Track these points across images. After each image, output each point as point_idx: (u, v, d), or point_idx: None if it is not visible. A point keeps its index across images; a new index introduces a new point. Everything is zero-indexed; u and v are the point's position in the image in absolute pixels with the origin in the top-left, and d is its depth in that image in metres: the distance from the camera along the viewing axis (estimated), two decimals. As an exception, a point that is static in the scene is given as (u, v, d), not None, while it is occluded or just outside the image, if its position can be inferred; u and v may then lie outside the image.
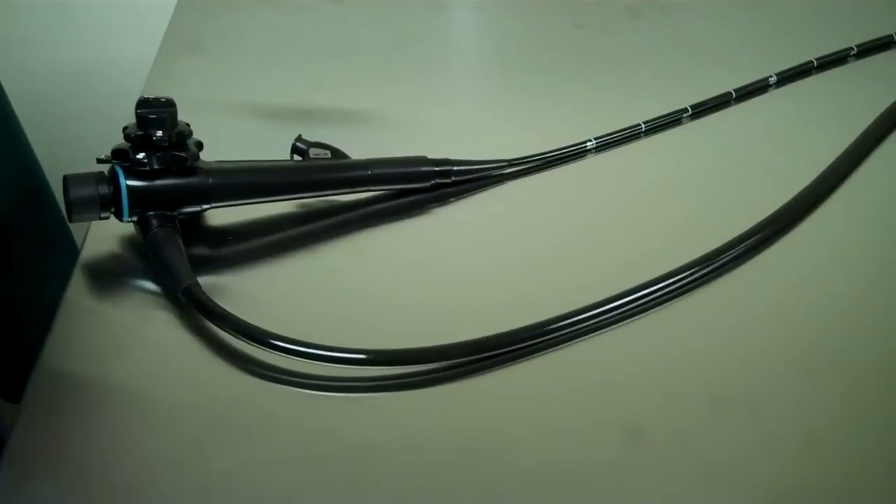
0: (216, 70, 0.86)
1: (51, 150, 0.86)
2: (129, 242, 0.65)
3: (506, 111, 0.83)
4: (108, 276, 0.64)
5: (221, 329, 0.58)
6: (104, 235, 0.65)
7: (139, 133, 0.62)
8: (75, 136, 1.03)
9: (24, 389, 0.56)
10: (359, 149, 0.69)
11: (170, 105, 0.63)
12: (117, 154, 0.62)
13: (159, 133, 0.62)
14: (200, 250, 0.65)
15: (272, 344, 0.56)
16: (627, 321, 0.60)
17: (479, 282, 0.64)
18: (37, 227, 0.82)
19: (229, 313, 0.57)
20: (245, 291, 0.62)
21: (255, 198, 0.66)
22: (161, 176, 0.62)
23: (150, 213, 0.62)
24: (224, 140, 0.68)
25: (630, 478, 0.51)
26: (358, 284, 0.64)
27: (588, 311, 0.59)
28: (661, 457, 0.52)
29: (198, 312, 0.59)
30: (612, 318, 0.60)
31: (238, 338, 0.57)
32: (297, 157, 0.68)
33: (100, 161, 0.63)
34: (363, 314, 0.61)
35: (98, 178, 0.62)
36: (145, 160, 0.62)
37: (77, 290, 0.62)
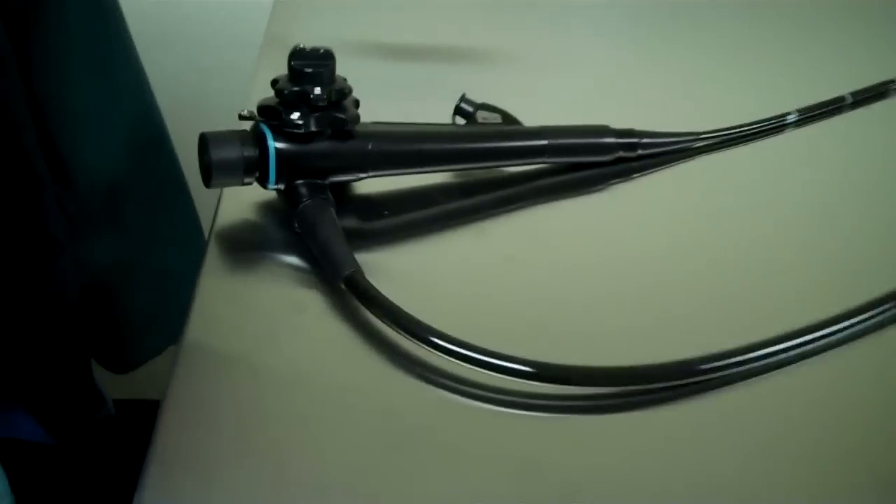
0: (344, 9, 0.77)
1: (169, 93, 0.78)
2: (268, 209, 0.57)
3: (681, 79, 0.73)
4: (246, 251, 0.55)
5: (380, 320, 0.50)
6: (238, 201, 0.57)
7: (294, 89, 0.53)
8: (197, 81, 0.94)
9: (167, 388, 0.48)
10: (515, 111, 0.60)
11: (329, 57, 0.54)
12: (265, 111, 0.54)
13: (317, 90, 0.53)
14: (350, 222, 0.56)
15: (433, 342, 0.47)
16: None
17: (671, 276, 0.55)
18: (151, 182, 0.73)
19: (395, 305, 0.49)
20: (402, 274, 0.54)
21: (417, 167, 0.58)
22: (315, 139, 0.54)
23: (300, 181, 0.54)
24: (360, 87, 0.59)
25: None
26: (532, 274, 0.54)
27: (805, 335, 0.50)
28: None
29: (356, 300, 0.50)
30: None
31: (398, 332, 0.49)
32: (459, 120, 0.60)
33: (242, 118, 0.55)
34: (536, 310, 0.52)
35: (242, 137, 0.54)
36: (300, 121, 0.53)
37: (213, 269, 0.54)
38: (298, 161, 0.54)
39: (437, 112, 0.60)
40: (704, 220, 0.59)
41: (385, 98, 0.61)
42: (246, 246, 0.56)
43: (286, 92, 0.53)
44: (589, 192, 0.60)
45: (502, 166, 0.60)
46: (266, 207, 0.57)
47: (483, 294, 0.53)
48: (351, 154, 0.55)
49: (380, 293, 0.49)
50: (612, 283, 0.54)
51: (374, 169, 0.56)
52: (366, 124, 0.56)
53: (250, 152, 0.53)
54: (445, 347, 0.47)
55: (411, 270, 0.54)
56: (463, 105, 0.59)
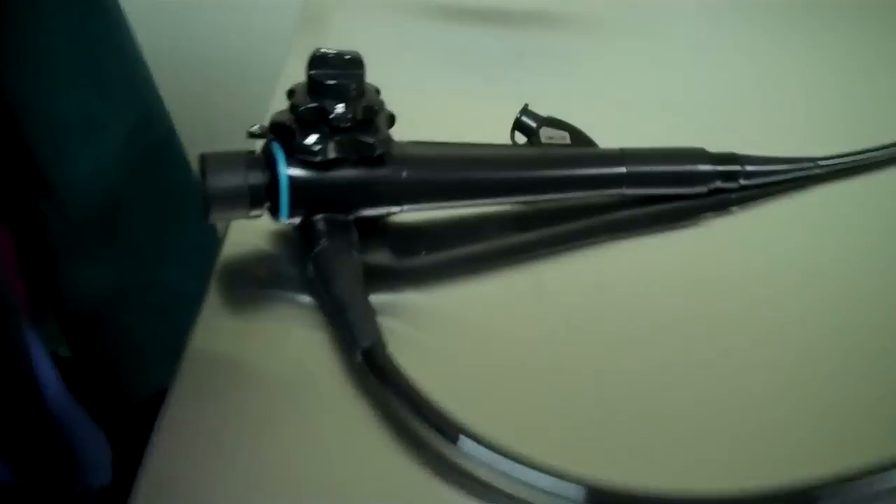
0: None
1: (177, 91, 0.67)
2: (283, 238, 0.47)
3: (796, 89, 0.61)
4: (253, 292, 0.45)
5: (398, 404, 0.39)
6: (249, 226, 0.47)
7: (312, 105, 0.43)
8: (208, 77, 0.82)
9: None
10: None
11: (356, 66, 0.43)
12: (278, 129, 0.44)
13: (340, 108, 0.42)
14: (379, 257, 0.46)
15: (462, 445, 0.37)
16: None
17: (778, 346, 0.43)
18: (156, 196, 0.63)
19: (420, 392, 0.38)
20: (436, 331, 0.43)
21: (463, 199, 0.47)
22: (337, 166, 0.44)
23: (319, 216, 0.44)
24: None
25: None
26: (598, 342, 0.43)
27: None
28: None
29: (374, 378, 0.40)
30: None
31: (421, 422, 0.39)
32: (519, 138, 0.49)
33: (252, 136, 0.45)
34: (603, 393, 0.41)
35: (249, 160, 0.44)
36: (317, 146, 0.43)
37: (213, 313, 0.44)
38: (316, 192, 0.44)
39: (492, 98, 0.50)
40: (825, 269, 0.47)
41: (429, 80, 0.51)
42: (253, 284, 0.46)
43: (302, 109, 0.43)
44: (676, 230, 0.49)
45: (570, 199, 0.49)
46: (281, 236, 0.47)
47: (536, 369, 0.42)
48: (381, 184, 0.44)
49: (403, 375, 0.39)
50: (703, 358, 0.43)
51: (410, 202, 0.45)
52: (401, 144, 0.45)
53: (258, 179, 0.43)
54: (477, 454, 0.37)
55: (447, 328, 0.44)
56: (524, 119, 0.48)
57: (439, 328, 0.44)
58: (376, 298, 0.43)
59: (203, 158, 0.44)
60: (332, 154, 0.43)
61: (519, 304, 0.45)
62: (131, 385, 0.64)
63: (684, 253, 0.48)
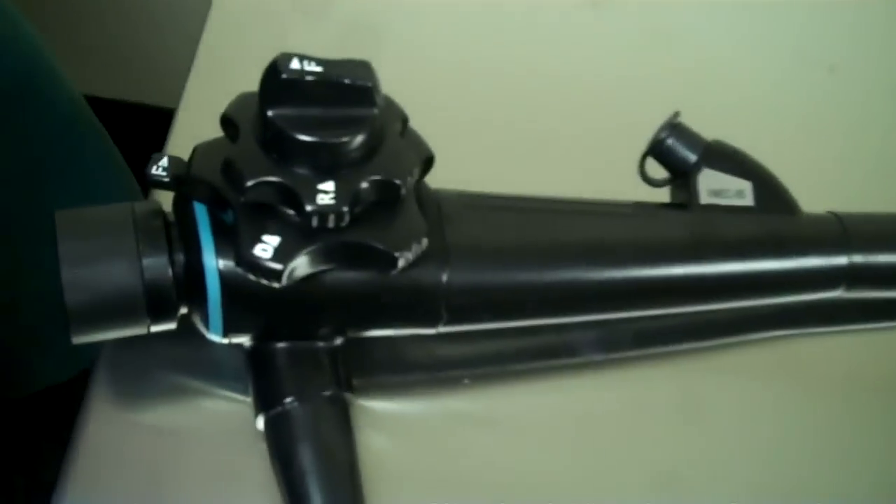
0: None
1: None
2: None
3: None
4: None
5: None
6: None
7: (270, 180, 0.21)
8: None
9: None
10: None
11: (366, 98, 0.21)
12: (201, 188, 0.22)
13: (326, 193, 0.21)
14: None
15: None
16: None
17: None
18: (29, 149, 0.38)
19: None
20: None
21: (560, 314, 0.26)
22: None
23: (281, 344, 0.23)
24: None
25: None
26: None
27: None
28: None
29: None
30: None
31: None
32: (655, 171, 0.27)
33: (154, 182, 0.23)
34: None
35: (144, 231, 0.22)
36: (276, 263, 0.21)
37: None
38: (274, 305, 0.23)
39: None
40: None
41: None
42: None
43: (250, 185, 0.21)
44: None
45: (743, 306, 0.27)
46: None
47: None
48: (402, 296, 0.24)
49: None
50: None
51: (454, 320, 0.24)
52: (441, 204, 0.24)
53: (161, 269, 0.22)
54: None
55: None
56: (669, 143, 0.26)
57: None
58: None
59: (56, 222, 0.22)
60: (301, 271, 0.21)
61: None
62: (13, 380, 0.45)
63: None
